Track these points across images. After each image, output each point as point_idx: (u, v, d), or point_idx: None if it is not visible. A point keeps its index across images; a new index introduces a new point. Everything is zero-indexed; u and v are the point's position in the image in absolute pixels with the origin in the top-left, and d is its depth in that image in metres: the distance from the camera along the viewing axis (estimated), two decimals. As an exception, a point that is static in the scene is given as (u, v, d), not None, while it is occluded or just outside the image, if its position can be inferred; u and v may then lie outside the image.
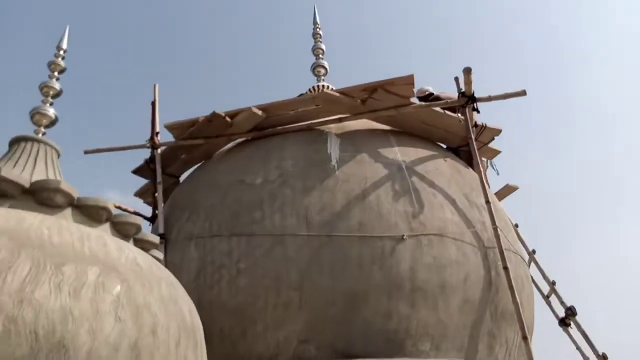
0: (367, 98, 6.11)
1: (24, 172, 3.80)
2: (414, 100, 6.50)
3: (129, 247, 3.31)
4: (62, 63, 4.72)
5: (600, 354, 6.47)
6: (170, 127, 6.55)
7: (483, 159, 7.48)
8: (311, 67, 9.60)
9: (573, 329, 7.00)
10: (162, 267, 3.56)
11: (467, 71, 6.05)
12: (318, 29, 10.01)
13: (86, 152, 6.82)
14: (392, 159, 6.01)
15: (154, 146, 6.61)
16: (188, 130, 6.50)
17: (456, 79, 6.39)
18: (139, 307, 2.91)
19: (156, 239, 3.97)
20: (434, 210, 5.66)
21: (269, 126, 6.45)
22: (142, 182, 7.58)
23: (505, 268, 5.62)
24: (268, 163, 5.96)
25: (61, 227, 2.95)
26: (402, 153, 6.15)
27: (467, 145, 7.23)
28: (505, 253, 5.67)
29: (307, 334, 5.08)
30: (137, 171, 7.35)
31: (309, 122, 6.37)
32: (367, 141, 6.21)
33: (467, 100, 6.21)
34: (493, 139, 7.24)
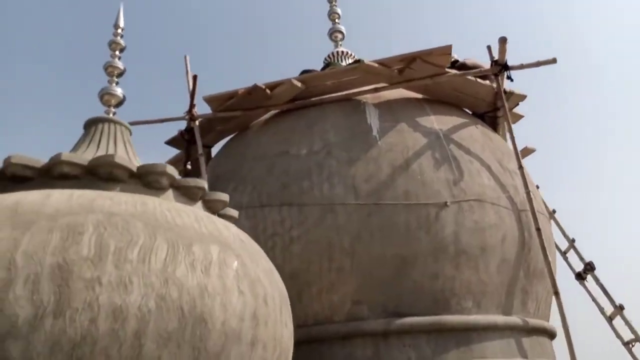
0: (404, 68, 6.29)
1: (107, 153, 3.97)
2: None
3: (230, 225, 3.54)
4: (122, 42, 4.79)
5: (618, 304, 6.99)
6: (209, 100, 6.66)
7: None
8: (328, 32, 9.64)
9: (590, 283, 7.52)
10: (252, 240, 3.81)
11: (503, 40, 6.23)
12: (333, -6, 9.99)
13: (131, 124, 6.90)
14: (430, 127, 6.25)
15: (192, 118, 6.73)
16: (226, 102, 6.62)
17: (489, 47, 6.58)
18: (252, 279, 3.18)
19: (226, 197, 4.04)
20: (472, 177, 5.95)
21: (306, 97, 6.60)
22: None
23: (538, 229, 6.00)
24: (311, 134, 6.16)
25: (178, 209, 3.17)
26: (438, 121, 6.38)
27: (493, 111, 7.52)
28: (537, 215, 6.05)
29: (360, 296, 5.43)
30: (171, 142, 7.50)
31: (346, 92, 6.53)
32: (404, 110, 6.42)
33: (501, 68, 6.41)
34: (517, 104, 7.49)
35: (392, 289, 5.43)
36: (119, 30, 4.85)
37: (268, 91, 6.37)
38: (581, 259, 7.39)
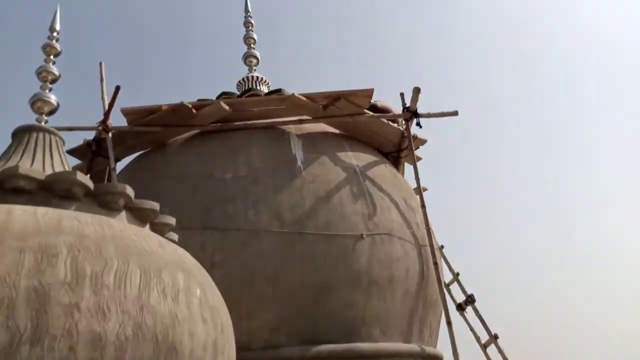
0: (329, 104, 6.63)
1: (45, 166, 3.72)
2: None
3: (184, 251, 3.51)
4: (57, 46, 4.51)
5: (493, 334, 7.87)
6: (127, 112, 6.40)
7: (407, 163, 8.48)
8: (243, 56, 9.75)
9: (468, 313, 8.38)
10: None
11: (416, 90, 6.89)
12: (250, 18, 10.14)
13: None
14: (349, 162, 6.63)
15: (106, 129, 6.40)
16: (146, 116, 6.42)
17: (402, 94, 7.20)
18: (212, 308, 3.20)
19: (172, 220, 3.99)
20: (384, 212, 6.42)
21: (230, 120, 6.64)
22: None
23: (435, 264, 6.63)
24: (236, 159, 6.20)
25: (142, 233, 3.09)
26: (355, 157, 6.79)
27: (397, 152, 8.17)
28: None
29: (278, 324, 5.55)
30: (73, 152, 7.01)
31: (271, 120, 6.71)
32: (325, 144, 6.74)
33: (411, 115, 7.05)
34: (418, 147, 8.22)
35: (310, 317, 5.62)
36: (55, 34, 4.57)
37: (194, 110, 6.30)
38: (464, 291, 8.21)
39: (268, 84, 9.26)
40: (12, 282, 2.30)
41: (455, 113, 7.29)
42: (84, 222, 2.80)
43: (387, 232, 6.31)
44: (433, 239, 6.95)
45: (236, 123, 6.71)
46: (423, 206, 6.88)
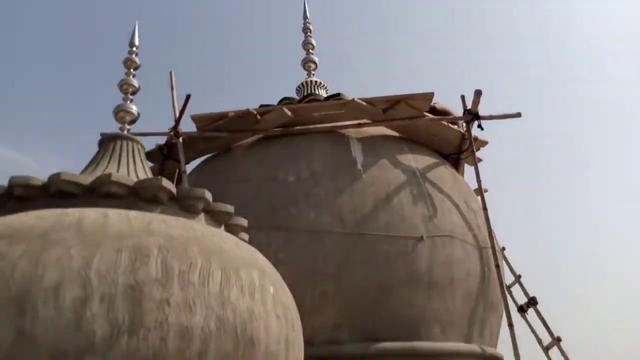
0: (388, 108, 6.74)
1: (129, 171, 4.06)
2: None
3: (256, 250, 3.75)
4: (136, 60, 4.88)
5: (556, 336, 7.73)
6: (197, 119, 6.77)
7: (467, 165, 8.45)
8: (302, 62, 10.00)
9: (530, 315, 8.25)
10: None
11: (478, 93, 6.87)
12: (308, 24, 10.39)
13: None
14: (408, 165, 6.72)
15: (177, 135, 6.80)
16: (214, 123, 6.76)
17: (462, 97, 7.21)
18: (284, 305, 3.41)
19: (244, 222, 4.28)
20: (444, 214, 6.47)
21: (292, 125, 6.89)
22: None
23: (497, 266, 6.60)
24: (297, 162, 6.43)
25: (221, 235, 3.34)
26: (414, 160, 6.87)
27: (457, 154, 8.16)
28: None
29: (340, 320, 5.72)
30: (147, 155, 7.47)
31: (331, 124, 6.89)
32: (385, 147, 6.86)
33: (473, 117, 7.04)
34: (479, 149, 8.18)
35: (371, 315, 5.76)
36: (134, 49, 4.94)
37: (259, 116, 6.59)
38: (525, 293, 8.10)
39: (326, 88, 9.47)
40: (112, 279, 2.59)
41: (518, 115, 7.22)
42: (170, 225, 3.08)
43: (448, 234, 6.35)
44: (495, 241, 6.93)
45: (297, 127, 6.94)
46: (485, 208, 6.86)
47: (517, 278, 8.33)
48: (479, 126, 7.07)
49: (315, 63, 9.91)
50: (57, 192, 3.23)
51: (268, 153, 6.69)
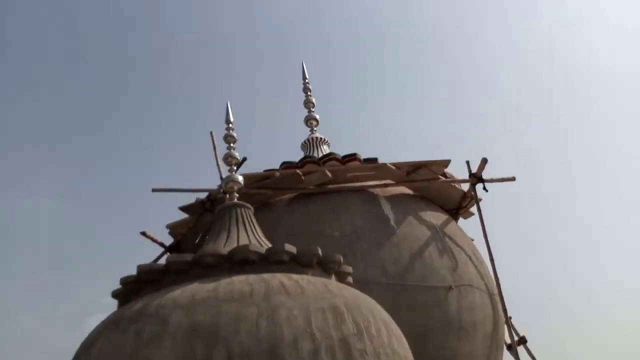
0: (411, 171, 7.76)
1: (249, 236, 4.72)
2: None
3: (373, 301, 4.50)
4: (234, 134, 5.56)
5: (544, 373, 8.87)
6: (245, 177, 7.40)
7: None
8: (304, 119, 10.87)
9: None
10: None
11: (484, 161, 8.08)
12: (307, 84, 11.31)
13: (154, 191, 7.33)
14: (429, 221, 7.71)
15: (225, 192, 7.39)
16: (260, 181, 7.45)
17: (467, 162, 8.39)
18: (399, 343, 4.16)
19: (349, 269, 5.03)
20: (463, 265, 7.48)
21: (326, 184, 7.71)
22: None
23: (505, 310, 7.67)
24: (339, 218, 7.24)
25: (356, 293, 4.09)
26: (432, 216, 7.88)
27: (455, 209, 9.28)
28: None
29: (388, 362, 6.48)
30: (186, 208, 7.98)
31: (361, 184, 7.79)
32: (408, 205, 7.83)
33: (477, 180, 8.22)
34: (474, 204, 9.36)
35: (414, 358, 6.56)
36: (230, 125, 5.61)
37: (303, 177, 7.36)
38: (516, 333, 9.21)
39: (328, 143, 10.39)
40: (328, 334, 3.28)
41: (512, 179, 8.50)
42: (336, 287, 3.81)
43: (468, 282, 7.35)
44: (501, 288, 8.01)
45: (329, 186, 7.77)
46: (492, 259, 7.96)
47: (509, 319, 9.47)
48: (484, 188, 8.24)
49: (316, 120, 10.78)
50: (241, 260, 3.86)
51: (311, 210, 7.44)
